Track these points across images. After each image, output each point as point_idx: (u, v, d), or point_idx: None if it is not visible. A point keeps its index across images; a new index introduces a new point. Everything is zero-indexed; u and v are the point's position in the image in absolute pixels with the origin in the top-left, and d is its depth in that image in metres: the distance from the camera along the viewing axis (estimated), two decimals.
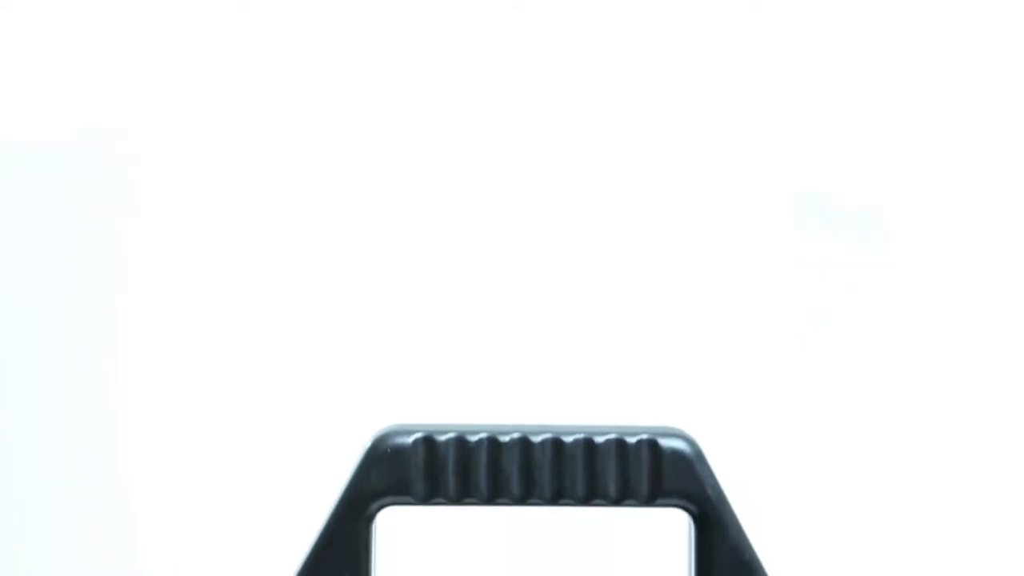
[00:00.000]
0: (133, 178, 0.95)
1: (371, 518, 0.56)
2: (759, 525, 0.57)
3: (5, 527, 0.94)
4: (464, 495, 0.56)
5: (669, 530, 0.62)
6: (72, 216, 0.94)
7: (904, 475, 0.93)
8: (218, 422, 0.94)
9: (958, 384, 0.94)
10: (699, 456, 0.56)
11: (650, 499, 0.56)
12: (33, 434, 0.94)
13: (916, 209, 0.95)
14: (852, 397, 0.94)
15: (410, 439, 0.56)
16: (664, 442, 0.56)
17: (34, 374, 0.95)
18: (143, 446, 0.94)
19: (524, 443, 0.56)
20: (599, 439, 0.56)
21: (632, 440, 0.56)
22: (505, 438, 0.56)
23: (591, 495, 0.56)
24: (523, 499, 0.56)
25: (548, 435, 0.56)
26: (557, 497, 0.56)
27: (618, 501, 0.56)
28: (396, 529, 0.62)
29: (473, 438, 0.56)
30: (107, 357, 0.94)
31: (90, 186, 0.95)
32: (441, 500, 0.56)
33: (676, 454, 0.56)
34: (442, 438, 0.56)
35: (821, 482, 0.93)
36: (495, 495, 0.56)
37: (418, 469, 0.56)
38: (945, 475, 0.94)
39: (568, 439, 0.56)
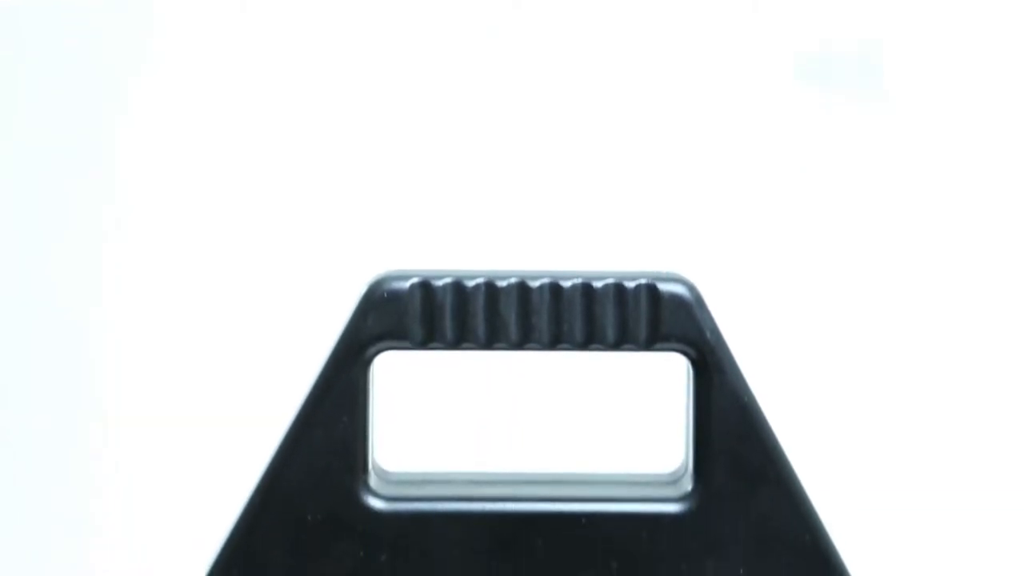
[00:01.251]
0: None
1: (368, 363, 0.56)
2: (756, 370, 0.57)
3: None
4: (461, 340, 0.56)
5: (667, 376, 0.62)
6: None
7: (902, 317, 0.94)
8: (216, 266, 0.94)
9: (955, 228, 0.94)
10: (698, 300, 0.56)
11: (648, 344, 0.56)
12: None
13: (913, 59, 0.94)
14: (850, 245, 0.94)
15: (407, 284, 0.56)
16: (663, 286, 0.56)
17: None
18: (137, 285, 0.94)
19: (522, 288, 0.56)
20: (597, 284, 0.56)
21: (631, 284, 0.56)
22: (503, 283, 0.56)
23: (589, 340, 0.56)
24: (521, 344, 0.56)
25: (546, 279, 0.56)
26: (555, 342, 0.56)
27: (616, 346, 0.56)
28: (393, 375, 0.62)
29: (470, 283, 0.56)
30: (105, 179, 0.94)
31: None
32: (438, 345, 0.56)
33: (675, 298, 0.56)
34: (439, 283, 0.56)
35: (819, 327, 0.93)
36: (492, 340, 0.56)
37: (415, 314, 0.55)
38: (942, 314, 0.94)
39: (566, 284, 0.56)
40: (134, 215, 0.95)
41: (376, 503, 0.56)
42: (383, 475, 0.58)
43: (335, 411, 0.55)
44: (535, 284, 0.56)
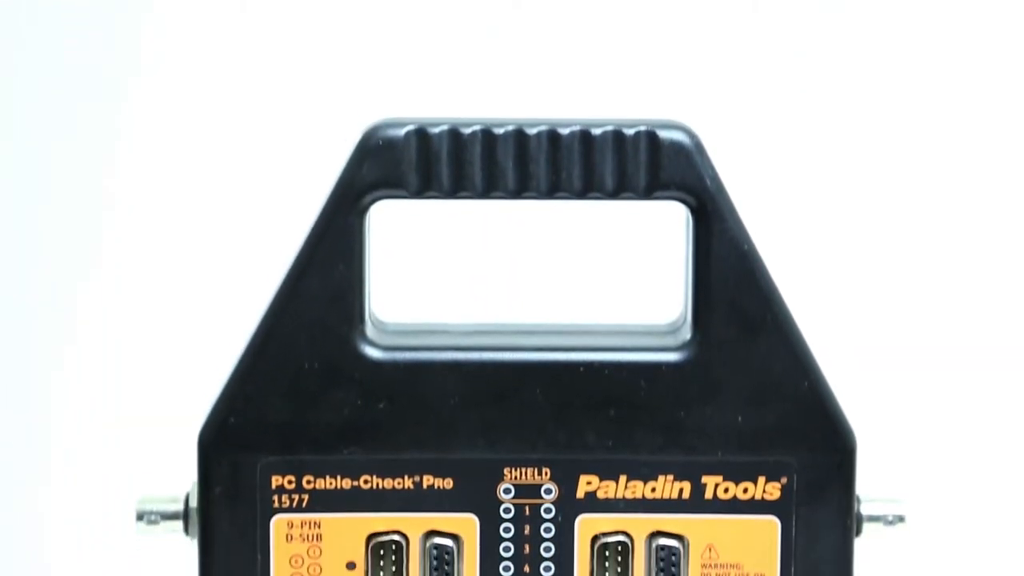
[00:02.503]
0: None
1: (363, 211, 0.55)
2: (756, 219, 0.57)
3: None
4: (458, 189, 0.55)
5: (666, 225, 0.61)
6: None
7: (903, 162, 0.93)
8: (213, 113, 0.93)
9: (960, 84, 0.93)
10: (698, 147, 0.55)
11: (648, 192, 0.55)
12: None
13: None
14: (854, 92, 0.93)
15: (402, 131, 0.55)
16: (663, 133, 0.55)
17: None
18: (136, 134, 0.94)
19: (519, 135, 0.55)
20: (596, 131, 0.55)
21: (630, 132, 0.55)
22: (500, 130, 0.55)
23: (588, 188, 0.55)
24: (518, 193, 0.55)
25: (544, 127, 0.55)
26: (553, 191, 0.55)
27: (615, 194, 0.55)
28: (390, 225, 0.61)
29: (467, 130, 0.55)
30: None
31: None
32: (434, 194, 0.55)
33: (675, 145, 0.55)
34: (435, 130, 0.55)
35: (820, 175, 0.93)
36: (489, 189, 0.55)
37: (410, 162, 0.55)
38: (942, 160, 0.93)
39: (565, 131, 0.55)
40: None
41: (373, 352, 0.56)
42: (380, 325, 0.58)
43: (331, 260, 0.55)
44: (533, 131, 0.55)
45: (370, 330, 0.56)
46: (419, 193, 0.55)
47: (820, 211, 0.93)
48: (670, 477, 0.56)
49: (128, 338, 0.94)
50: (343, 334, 0.55)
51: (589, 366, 0.56)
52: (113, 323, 0.95)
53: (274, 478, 0.56)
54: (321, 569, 0.56)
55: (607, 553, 0.57)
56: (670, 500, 0.56)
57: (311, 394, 0.55)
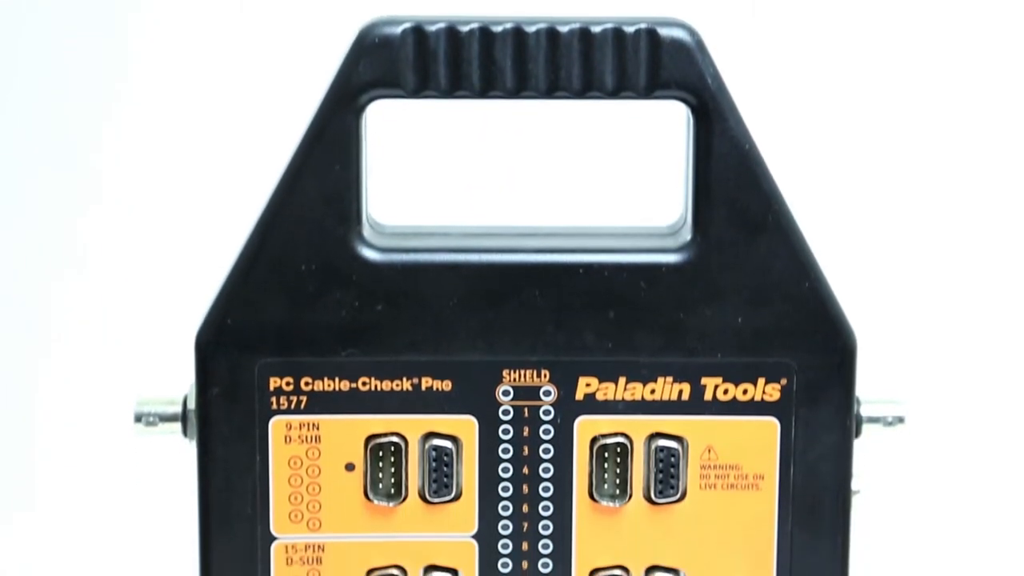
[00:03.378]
0: None
1: (360, 110, 0.54)
2: (757, 117, 0.56)
3: None
4: (455, 88, 0.55)
5: (666, 125, 0.60)
6: None
7: (908, 71, 0.92)
8: (208, 12, 0.92)
9: None
10: (699, 45, 0.54)
11: (648, 91, 0.55)
12: None
13: None
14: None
15: (399, 29, 0.54)
16: (663, 31, 0.54)
17: None
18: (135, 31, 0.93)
19: (518, 33, 0.54)
20: (596, 28, 0.54)
21: (630, 29, 0.54)
22: (498, 28, 0.54)
23: (587, 87, 0.55)
24: (517, 92, 0.55)
25: (543, 24, 0.54)
26: (552, 90, 0.55)
27: (615, 94, 0.55)
28: (387, 127, 0.61)
29: (464, 28, 0.54)
30: None
31: None
32: (431, 93, 0.55)
33: (676, 43, 0.54)
34: (432, 28, 0.54)
35: (821, 73, 0.92)
36: (487, 88, 0.55)
37: (407, 60, 0.54)
38: (941, 58, 0.93)
39: (564, 28, 0.54)
40: None
41: (370, 254, 0.55)
42: (377, 227, 0.57)
43: (327, 160, 0.54)
44: (531, 29, 0.54)
45: (367, 232, 0.56)
46: (416, 92, 0.55)
47: (823, 110, 0.92)
48: (669, 379, 0.56)
49: (126, 241, 0.94)
50: (340, 235, 0.55)
51: (588, 268, 0.56)
52: (111, 226, 0.95)
53: (272, 380, 0.56)
54: (320, 471, 0.56)
55: (606, 454, 0.57)
56: (669, 401, 0.56)
57: (309, 295, 0.55)
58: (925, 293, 0.94)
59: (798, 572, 0.57)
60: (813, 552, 0.57)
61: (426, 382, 0.56)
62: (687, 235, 0.56)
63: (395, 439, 0.56)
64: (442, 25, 0.54)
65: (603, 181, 0.91)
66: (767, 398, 0.56)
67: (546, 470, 0.57)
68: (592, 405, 0.57)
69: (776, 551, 0.57)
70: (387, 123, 0.60)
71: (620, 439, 0.57)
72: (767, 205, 0.55)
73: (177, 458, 0.63)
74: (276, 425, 0.56)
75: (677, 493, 0.57)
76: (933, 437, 0.93)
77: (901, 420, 0.58)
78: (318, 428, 0.56)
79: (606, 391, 0.56)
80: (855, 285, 0.62)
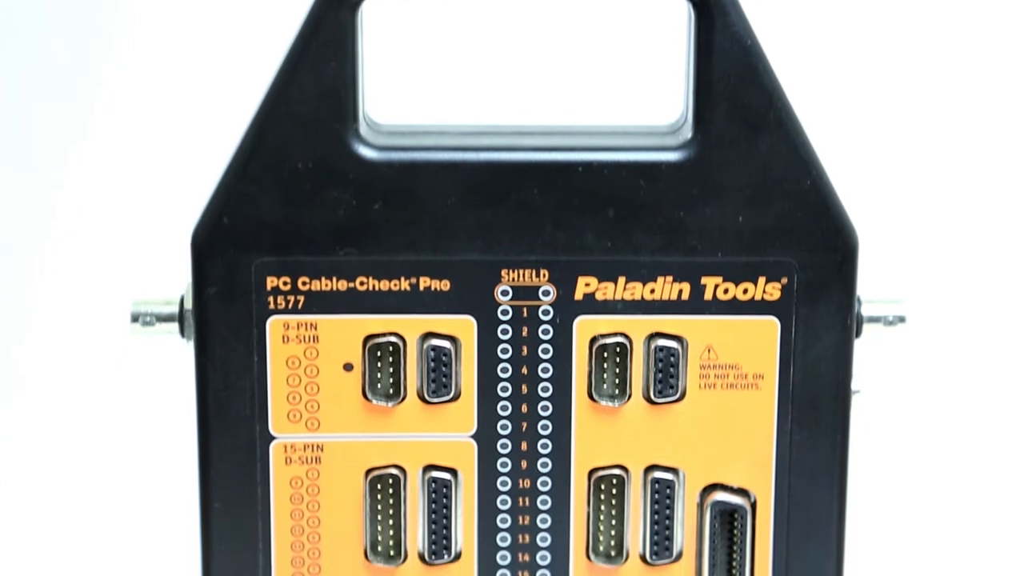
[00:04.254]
0: None
1: (356, 6, 0.54)
2: (758, 13, 0.55)
3: None
4: None
5: (667, 22, 0.60)
6: None
7: None
8: None
9: None
10: None
11: None
12: None
13: None
14: None
15: None
16: None
17: None
18: None
19: None
20: None
21: None
22: None
23: None
24: None
25: None
26: None
27: None
28: (385, 25, 0.60)
29: None
30: None
31: None
32: None
33: None
34: None
35: None
36: None
37: None
38: None
39: None
40: None
41: (367, 152, 0.55)
42: (374, 126, 0.56)
43: (323, 57, 0.54)
44: None
45: (364, 130, 0.55)
46: None
47: (825, 4, 0.91)
48: (669, 278, 0.56)
49: (122, 141, 0.94)
50: (337, 133, 0.54)
51: (588, 166, 0.55)
52: (107, 125, 0.94)
53: (269, 279, 0.55)
54: (318, 371, 0.56)
55: (605, 355, 0.57)
56: (669, 301, 0.56)
57: (305, 194, 0.54)
58: (928, 192, 0.94)
59: (797, 472, 0.57)
60: (812, 452, 0.57)
61: (424, 282, 0.56)
62: (687, 133, 0.55)
63: (393, 339, 0.56)
64: None
65: (603, 79, 0.90)
66: (767, 297, 0.56)
67: (545, 370, 0.57)
68: (591, 305, 0.56)
69: (775, 450, 0.57)
70: (385, 22, 0.59)
71: (619, 339, 0.56)
72: (768, 102, 0.54)
73: (175, 360, 0.63)
74: (274, 325, 0.56)
75: (676, 393, 0.57)
76: (934, 337, 0.93)
77: (902, 320, 0.58)
78: (316, 328, 0.56)
79: (605, 291, 0.56)
80: (857, 183, 0.61)
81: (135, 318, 0.57)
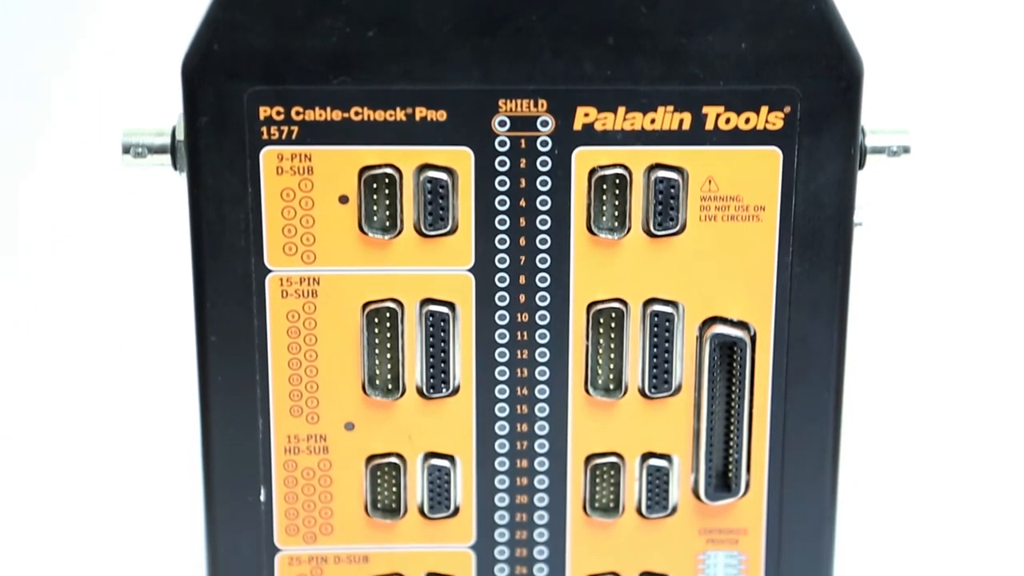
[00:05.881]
0: None
1: None
2: None
3: None
4: None
5: None
6: None
7: None
8: None
9: None
10: None
11: None
12: None
13: None
14: None
15: None
16: None
17: None
18: None
19: None
20: None
21: None
22: None
23: None
24: None
25: None
26: None
27: None
28: None
29: None
30: None
31: None
32: None
33: None
34: None
35: None
36: None
37: None
38: None
39: None
40: None
41: None
42: None
43: None
44: None
45: None
46: None
47: None
48: (670, 108, 0.55)
49: None
50: None
51: None
52: None
53: (262, 109, 0.54)
54: (313, 203, 0.55)
55: (605, 187, 0.56)
56: (670, 131, 0.55)
57: (297, 20, 0.53)
58: (936, 20, 0.92)
59: (797, 304, 0.57)
60: (813, 285, 0.57)
61: (420, 112, 0.55)
62: None
63: (389, 171, 0.55)
64: None
65: None
66: (770, 127, 0.55)
67: (544, 203, 0.56)
68: (590, 136, 0.55)
69: (775, 283, 0.57)
70: None
71: (619, 170, 0.56)
72: None
73: (169, 193, 0.63)
74: (267, 156, 0.55)
75: (676, 225, 0.56)
76: (937, 169, 0.92)
77: (906, 150, 0.57)
78: (310, 159, 0.55)
79: (605, 121, 0.55)
80: (863, 8, 0.60)
81: (126, 149, 0.56)
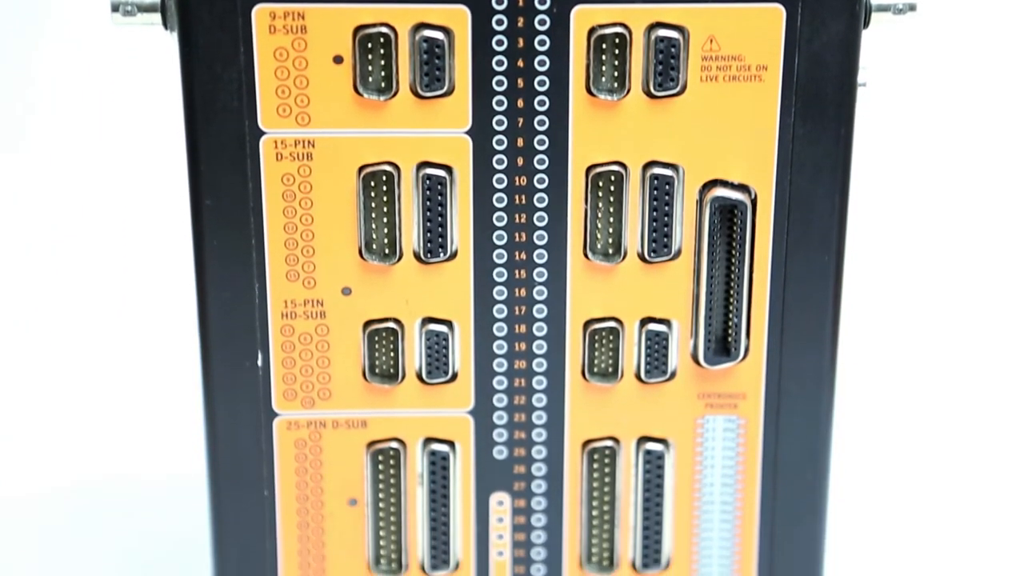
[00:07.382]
0: None
1: None
2: None
3: None
4: None
5: None
6: None
7: None
8: None
9: None
10: None
11: None
12: None
13: None
14: None
15: None
16: None
17: None
18: None
19: None
20: None
21: None
22: None
23: None
24: None
25: None
26: None
27: None
28: None
29: None
30: None
31: None
32: None
33: None
34: None
35: None
36: None
37: None
38: None
39: None
40: None
41: None
42: None
43: None
44: None
45: None
46: None
47: None
48: None
49: None
50: None
51: None
52: None
53: None
54: (307, 63, 0.54)
55: (604, 46, 0.55)
56: None
57: None
58: None
59: (799, 165, 0.56)
60: (814, 145, 0.56)
61: None
62: None
63: (384, 30, 0.54)
64: None
65: None
66: None
67: (542, 63, 0.55)
68: None
69: (777, 145, 0.56)
70: None
71: (618, 29, 0.54)
72: None
73: (159, 54, 0.62)
74: (259, 14, 0.54)
75: (677, 86, 0.55)
76: (945, 28, 0.90)
77: (912, 8, 0.56)
78: (303, 18, 0.54)
79: None
80: None
81: (115, 7, 0.55)
